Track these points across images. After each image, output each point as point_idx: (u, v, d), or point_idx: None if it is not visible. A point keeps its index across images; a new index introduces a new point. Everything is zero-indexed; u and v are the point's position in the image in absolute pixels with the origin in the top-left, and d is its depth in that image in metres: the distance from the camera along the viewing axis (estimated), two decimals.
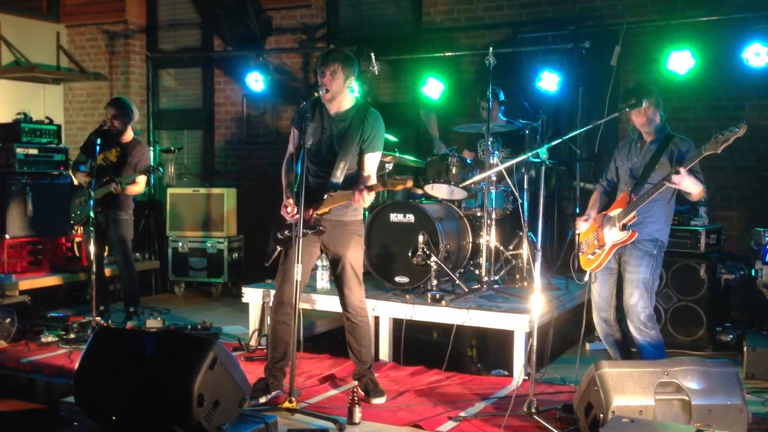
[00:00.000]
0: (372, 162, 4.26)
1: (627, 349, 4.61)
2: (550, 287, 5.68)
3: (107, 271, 6.83)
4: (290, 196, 4.28)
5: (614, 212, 4.40)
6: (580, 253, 4.62)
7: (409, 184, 4.09)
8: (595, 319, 4.62)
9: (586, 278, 4.55)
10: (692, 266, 5.66)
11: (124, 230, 6.26)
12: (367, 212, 6.00)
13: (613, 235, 4.35)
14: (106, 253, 6.67)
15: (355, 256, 4.36)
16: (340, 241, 4.32)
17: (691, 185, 4.15)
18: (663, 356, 4.28)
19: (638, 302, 4.32)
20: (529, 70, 6.89)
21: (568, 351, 5.67)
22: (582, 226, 4.62)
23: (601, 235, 4.42)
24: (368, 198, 4.10)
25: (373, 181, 4.21)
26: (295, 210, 4.18)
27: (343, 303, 4.41)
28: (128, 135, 6.26)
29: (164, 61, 9.50)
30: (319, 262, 5.54)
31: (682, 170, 4.08)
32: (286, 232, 4.29)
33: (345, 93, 4.26)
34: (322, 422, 3.92)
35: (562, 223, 6.85)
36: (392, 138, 6.40)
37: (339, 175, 4.21)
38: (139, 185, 6.17)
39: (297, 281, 4.00)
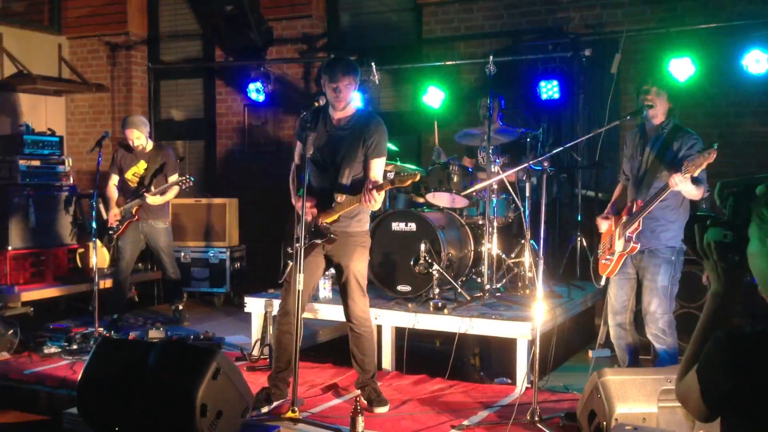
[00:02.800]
0: (378, 167, 4.27)
1: (636, 355, 4.60)
2: (552, 295, 5.67)
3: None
4: (300, 198, 4.28)
5: (623, 220, 4.39)
6: (599, 255, 4.62)
7: (417, 177, 4.10)
8: (609, 321, 4.62)
9: (603, 282, 4.55)
10: (694, 273, 5.64)
11: (167, 238, 6.66)
12: (369, 222, 6.00)
13: (620, 245, 4.35)
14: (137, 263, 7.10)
15: (359, 267, 4.36)
16: (344, 252, 4.32)
17: (690, 190, 4.15)
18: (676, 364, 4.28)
19: (657, 309, 4.32)
20: (529, 79, 6.91)
21: (571, 359, 5.66)
22: (603, 225, 4.61)
23: (613, 241, 4.43)
24: (378, 198, 4.09)
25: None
26: (311, 206, 4.20)
27: (347, 313, 4.41)
28: (149, 145, 6.48)
29: (166, 72, 9.53)
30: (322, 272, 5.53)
31: (685, 175, 4.06)
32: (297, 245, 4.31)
33: (352, 102, 4.32)
34: None
35: (563, 230, 6.85)
36: (393, 147, 6.40)
37: (345, 182, 4.23)
38: (171, 193, 6.46)
39: (298, 290, 4.00)
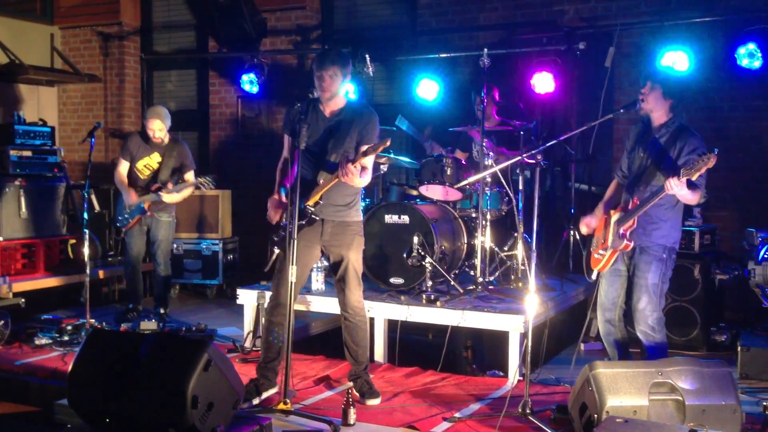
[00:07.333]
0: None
1: (626, 350, 4.61)
2: (545, 288, 5.67)
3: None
4: (279, 192, 4.30)
5: (617, 216, 4.37)
6: (591, 249, 4.59)
7: (388, 143, 4.01)
8: (598, 317, 4.60)
9: (594, 276, 4.53)
10: (686, 266, 5.66)
11: (168, 231, 6.38)
12: (362, 213, 5.99)
13: (614, 241, 4.33)
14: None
15: (357, 257, 4.38)
16: (343, 242, 4.33)
17: (685, 195, 4.04)
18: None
19: (646, 307, 4.31)
20: (523, 72, 6.89)
21: (562, 352, 5.68)
22: (583, 228, 4.59)
23: (606, 236, 4.41)
24: (355, 171, 4.03)
25: (368, 170, 4.21)
26: (282, 200, 4.23)
27: (343, 303, 4.42)
28: (166, 138, 6.27)
29: (159, 63, 9.49)
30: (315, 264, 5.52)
31: (682, 180, 3.93)
32: (282, 232, 4.29)
33: (341, 93, 4.29)
34: (316, 423, 3.92)
35: (557, 224, 6.86)
36: (393, 128, 6.36)
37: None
38: (187, 191, 6.26)
39: (291, 282, 4.00)
